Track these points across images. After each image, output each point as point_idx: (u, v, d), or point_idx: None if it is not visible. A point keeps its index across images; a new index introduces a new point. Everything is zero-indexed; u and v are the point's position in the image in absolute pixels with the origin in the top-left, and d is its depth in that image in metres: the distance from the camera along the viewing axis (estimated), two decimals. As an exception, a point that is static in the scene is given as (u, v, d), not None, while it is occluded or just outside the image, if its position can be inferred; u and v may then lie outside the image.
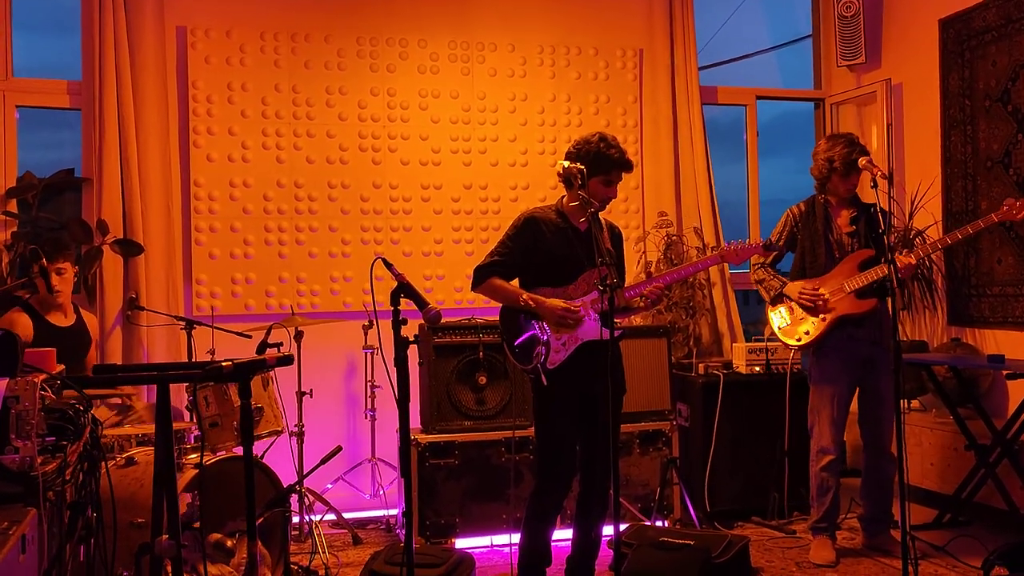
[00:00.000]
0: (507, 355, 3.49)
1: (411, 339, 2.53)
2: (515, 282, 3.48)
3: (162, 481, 2.48)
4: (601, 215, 3.44)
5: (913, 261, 3.96)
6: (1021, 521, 4.19)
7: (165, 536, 2.48)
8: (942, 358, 4.81)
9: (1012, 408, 4.41)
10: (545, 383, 3.31)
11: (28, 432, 1.87)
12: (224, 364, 2.08)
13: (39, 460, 1.90)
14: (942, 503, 4.64)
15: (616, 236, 3.59)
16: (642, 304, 3.41)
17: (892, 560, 4.00)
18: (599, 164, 3.33)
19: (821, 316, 4.03)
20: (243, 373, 2.14)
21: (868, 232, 4.09)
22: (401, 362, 2.52)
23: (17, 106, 4.93)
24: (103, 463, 2.12)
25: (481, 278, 3.43)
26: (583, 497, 3.54)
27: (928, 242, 3.95)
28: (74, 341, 4.14)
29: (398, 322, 2.56)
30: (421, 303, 2.60)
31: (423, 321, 2.67)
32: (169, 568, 2.67)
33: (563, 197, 3.48)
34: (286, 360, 2.36)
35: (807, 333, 4.06)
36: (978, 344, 5.06)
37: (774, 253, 4.21)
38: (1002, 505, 4.29)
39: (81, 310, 4.31)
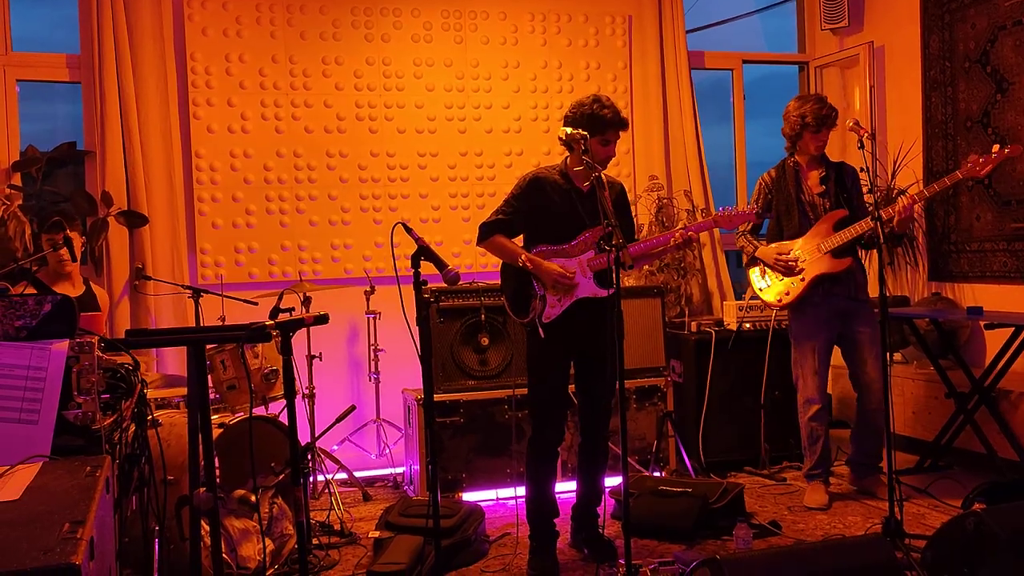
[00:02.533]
0: (506, 307, 3.66)
1: (431, 299, 2.67)
2: (519, 239, 3.63)
3: (198, 437, 2.63)
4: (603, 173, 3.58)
5: (907, 203, 3.95)
6: (998, 463, 4.43)
7: (203, 488, 2.63)
8: (924, 311, 5.01)
9: (989, 358, 4.62)
10: (542, 335, 3.48)
11: (89, 389, 2.00)
12: (267, 324, 2.22)
13: (98, 415, 2.03)
14: (924, 449, 4.87)
15: (621, 194, 3.73)
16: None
17: (878, 502, 4.22)
18: (594, 125, 3.45)
19: (800, 276, 4.20)
20: (285, 331, 2.28)
21: (839, 191, 4.27)
22: (424, 321, 2.66)
23: (18, 80, 4.97)
24: (149, 418, 2.25)
25: (485, 234, 3.59)
26: (584, 449, 3.73)
27: (907, 194, 4.09)
28: (82, 311, 4.23)
29: (419, 283, 2.69)
30: (440, 264, 2.73)
31: (445, 284, 2.79)
32: (204, 522, 2.83)
33: (566, 159, 3.61)
34: (322, 319, 2.49)
35: (787, 293, 4.24)
36: (957, 298, 5.27)
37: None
38: (980, 449, 4.53)
39: (91, 283, 4.40)
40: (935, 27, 5.39)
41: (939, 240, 5.42)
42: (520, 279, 3.55)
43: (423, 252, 2.71)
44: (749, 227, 4.38)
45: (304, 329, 4.73)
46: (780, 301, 4.27)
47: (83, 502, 1.40)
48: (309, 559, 3.67)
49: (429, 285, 3.00)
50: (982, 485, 3.69)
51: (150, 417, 3.51)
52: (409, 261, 2.75)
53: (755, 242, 4.34)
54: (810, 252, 4.19)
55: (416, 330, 2.68)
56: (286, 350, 2.34)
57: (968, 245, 5.23)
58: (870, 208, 3.74)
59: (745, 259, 4.40)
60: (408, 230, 2.77)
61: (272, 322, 2.28)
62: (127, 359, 2.35)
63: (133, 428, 2.25)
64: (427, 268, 2.85)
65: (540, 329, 3.48)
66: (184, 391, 3.85)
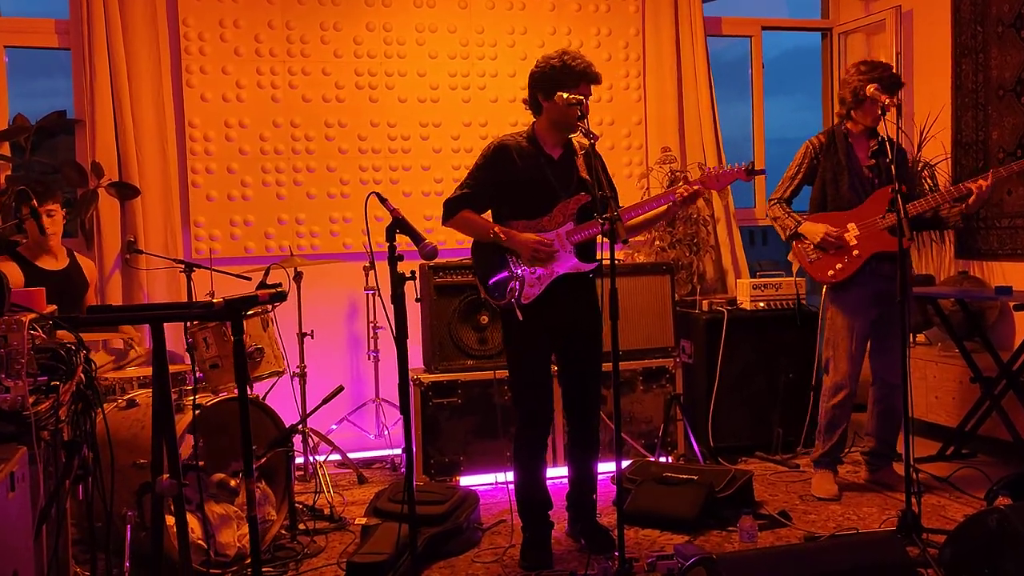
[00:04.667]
0: (480, 290, 3.41)
1: (407, 275, 2.48)
2: (488, 215, 3.38)
3: (160, 421, 2.47)
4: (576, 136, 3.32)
5: (989, 183, 3.79)
6: (1026, 452, 4.19)
7: (166, 475, 2.48)
8: (949, 291, 4.76)
9: (1019, 341, 4.38)
10: (520, 318, 3.23)
11: (18, 371, 1.84)
12: (216, 301, 2.04)
13: (31, 400, 1.87)
14: (947, 436, 4.63)
15: (597, 157, 3.37)
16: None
17: (896, 493, 4.00)
18: (567, 78, 3.16)
19: (855, 252, 3.94)
20: (235, 310, 2.10)
21: (890, 165, 4.00)
22: (398, 299, 2.48)
23: (6, 47, 4.82)
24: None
25: (451, 211, 3.32)
26: (572, 435, 3.52)
27: (993, 169, 3.83)
28: (66, 285, 4.09)
29: (393, 257, 2.51)
30: (416, 237, 2.54)
31: (422, 259, 2.60)
32: (172, 507, 2.68)
33: (534, 123, 3.37)
34: (279, 296, 2.32)
35: (840, 268, 3.97)
36: (985, 277, 5.00)
37: (791, 187, 4.10)
38: (1007, 436, 4.29)
39: (77, 255, 4.26)
40: (967, -11, 5.08)
41: (967, 216, 5.12)
42: (494, 257, 3.29)
43: (398, 224, 2.53)
44: (786, 195, 4.12)
45: (296, 306, 4.58)
46: (832, 276, 4.00)
47: (-37, 504, 1.24)
48: (293, 545, 3.54)
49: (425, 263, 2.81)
50: (1008, 477, 3.46)
51: (126, 397, 3.38)
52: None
53: (795, 216, 4.08)
54: (865, 227, 3.93)
55: (392, 308, 2.49)
56: (237, 330, 2.16)
57: (998, 221, 4.95)
58: (897, 187, 3.46)
59: (783, 233, 4.11)
60: (382, 200, 2.59)
61: (221, 299, 2.10)
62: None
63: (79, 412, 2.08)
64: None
65: (518, 312, 3.22)
66: (173, 368, 3.70)
